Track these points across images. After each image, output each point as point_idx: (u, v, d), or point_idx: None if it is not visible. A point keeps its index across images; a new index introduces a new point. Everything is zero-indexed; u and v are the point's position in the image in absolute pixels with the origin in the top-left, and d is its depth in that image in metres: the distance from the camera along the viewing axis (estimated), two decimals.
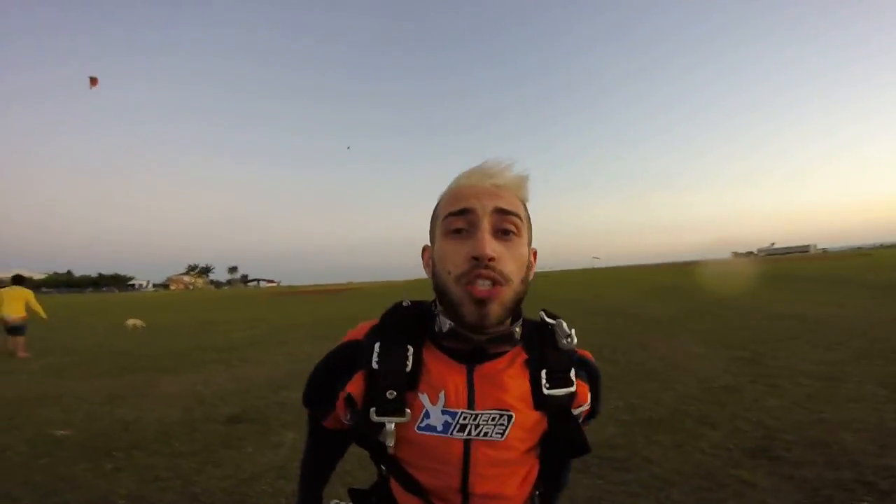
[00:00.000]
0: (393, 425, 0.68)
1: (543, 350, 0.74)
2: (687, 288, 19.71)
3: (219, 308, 25.13)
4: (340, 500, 0.86)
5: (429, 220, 0.79)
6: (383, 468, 0.77)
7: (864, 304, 10.07)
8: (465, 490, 0.71)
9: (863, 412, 3.55)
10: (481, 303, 0.65)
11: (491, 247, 0.65)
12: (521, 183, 0.74)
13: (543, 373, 0.72)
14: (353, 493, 0.86)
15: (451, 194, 0.73)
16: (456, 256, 0.67)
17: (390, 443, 0.69)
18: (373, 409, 0.69)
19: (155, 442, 3.65)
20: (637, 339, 7.43)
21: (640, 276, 40.91)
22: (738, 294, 14.44)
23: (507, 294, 0.67)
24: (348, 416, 0.76)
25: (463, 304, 0.66)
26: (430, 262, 0.75)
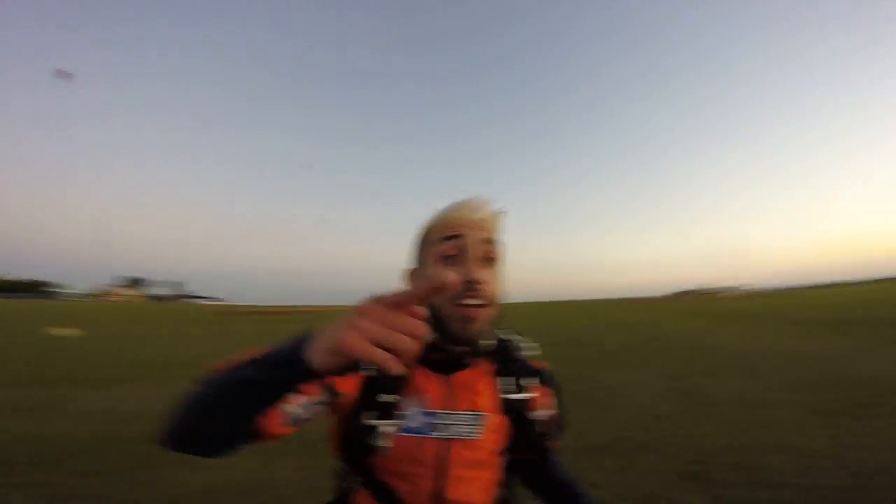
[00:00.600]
0: (383, 429, 0.75)
1: (506, 361, 0.85)
2: (631, 322, 20.65)
3: (155, 323, 23.48)
4: None
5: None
6: (352, 481, 0.80)
7: (790, 338, 11.04)
8: (437, 497, 0.76)
9: (787, 436, 3.83)
10: (471, 320, 0.75)
11: (480, 273, 0.76)
12: (499, 218, 0.84)
13: (505, 380, 0.84)
14: None
15: (443, 223, 0.81)
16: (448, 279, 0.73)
17: (384, 443, 0.74)
18: (366, 413, 0.75)
19: (66, 461, 3.31)
20: (582, 370, 7.63)
21: (576, 309, 42.41)
22: (676, 329, 15.28)
23: (490, 313, 0.78)
24: (310, 401, 0.73)
25: (454, 320, 0.75)
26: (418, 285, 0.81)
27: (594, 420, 4.50)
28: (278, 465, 3.28)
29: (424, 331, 0.47)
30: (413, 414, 0.78)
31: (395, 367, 0.45)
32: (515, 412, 0.83)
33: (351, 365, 0.52)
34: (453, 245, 0.77)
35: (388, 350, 0.45)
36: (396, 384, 0.78)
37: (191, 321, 27.12)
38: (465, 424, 0.79)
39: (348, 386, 0.76)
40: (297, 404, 0.68)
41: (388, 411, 0.76)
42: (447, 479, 0.78)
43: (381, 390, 0.76)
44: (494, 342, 0.87)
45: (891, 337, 10.31)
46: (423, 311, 0.48)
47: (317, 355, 0.51)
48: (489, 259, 0.79)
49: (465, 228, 0.78)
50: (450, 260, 0.77)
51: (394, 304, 0.48)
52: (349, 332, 0.46)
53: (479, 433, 0.79)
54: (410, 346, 0.46)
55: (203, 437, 0.60)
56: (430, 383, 0.80)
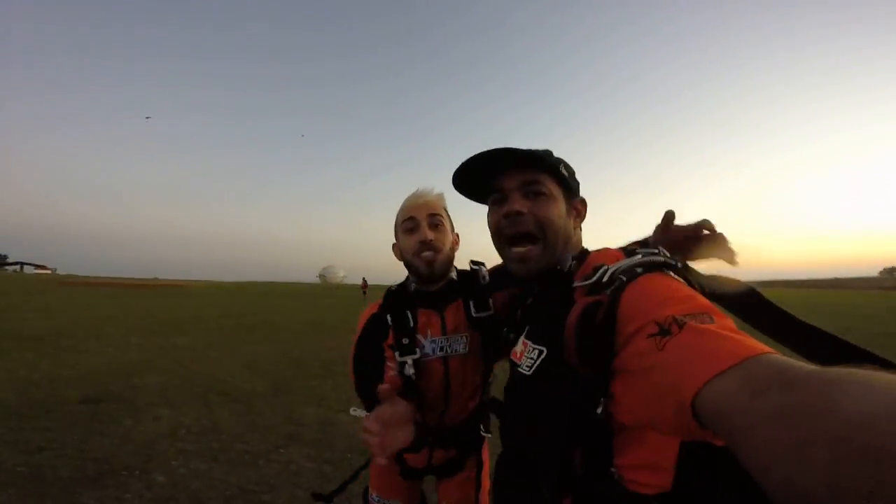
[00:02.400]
0: (410, 360, 1.13)
1: (472, 288, 1.20)
2: None
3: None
4: (357, 408, 1.14)
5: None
6: (406, 394, 1.14)
7: None
8: (446, 399, 1.18)
9: None
10: (430, 264, 1.15)
11: (428, 234, 1.15)
12: (440, 197, 1.23)
13: (471, 302, 1.18)
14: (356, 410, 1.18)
15: (402, 211, 1.20)
16: (410, 243, 1.17)
17: (410, 371, 1.12)
18: (397, 353, 1.14)
19: (10, 421, 3.52)
20: None
21: None
22: None
23: (443, 256, 1.17)
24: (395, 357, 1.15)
25: (419, 267, 1.16)
26: (399, 252, 1.23)
27: None
28: (219, 415, 3.95)
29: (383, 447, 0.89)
30: (425, 344, 1.16)
31: (381, 460, 0.87)
32: (482, 326, 1.16)
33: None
34: (409, 223, 1.17)
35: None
36: (409, 328, 1.15)
37: (35, 291, 22.79)
38: (457, 343, 1.17)
39: (390, 339, 1.17)
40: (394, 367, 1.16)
41: (410, 349, 1.14)
42: (452, 385, 1.18)
43: (402, 335, 1.15)
44: (457, 278, 1.22)
45: None
46: (403, 408, 0.97)
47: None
48: (435, 224, 1.18)
49: (415, 211, 1.17)
50: (409, 232, 1.17)
51: (378, 417, 0.90)
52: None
53: (466, 348, 1.18)
54: (380, 452, 0.87)
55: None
56: (431, 320, 1.18)
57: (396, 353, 1.14)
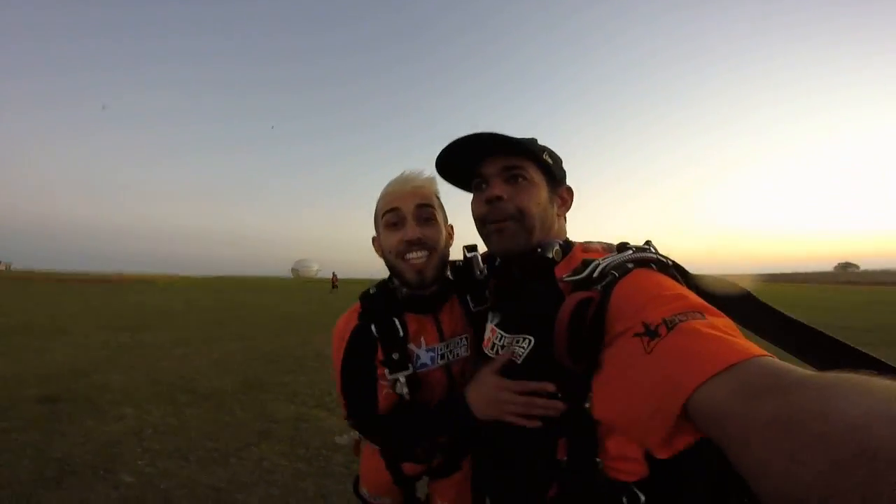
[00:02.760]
0: (402, 377, 0.94)
1: (468, 282, 1.04)
2: None
3: None
4: (342, 434, 1.36)
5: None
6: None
7: None
8: None
9: None
10: (419, 270, 0.95)
11: (416, 231, 0.95)
12: (431, 182, 1.00)
13: (468, 297, 1.03)
14: None
15: (384, 199, 1.00)
16: (393, 241, 0.97)
17: (404, 391, 0.94)
18: (387, 370, 0.95)
19: None
20: None
21: None
22: None
23: (435, 258, 0.97)
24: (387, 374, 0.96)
25: (406, 272, 0.97)
26: (380, 249, 1.04)
27: None
28: (187, 414, 3.87)
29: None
30: (420, 354, 0.99)
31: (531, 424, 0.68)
32: (480, 321, 0.98)
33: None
34: (392, 216, 0.97)
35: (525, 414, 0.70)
36: (398, 339, 0.96)
37: None
38: (457, 347, 1.02)
39: (380, 355, 0.98)
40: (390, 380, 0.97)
41: (401, 365, 0.95)
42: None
43: (392, 350, 0.95)
44: (452, 276, 1.05)
45: None
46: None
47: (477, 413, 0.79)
48: (426, 218, 0.97)
49: (400, 201, 0.97)
50: (392, 227, 0.97)
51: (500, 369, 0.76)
52: (496, 406, 0.74)
53: (469, 350, 1.03)
54: (545, 410, 0.66)
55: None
56: (424, 326, 1.01)
57: (386, 370, 0.96)
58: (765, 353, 0.45)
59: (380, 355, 0.97)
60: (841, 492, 0.30)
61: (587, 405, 0.59)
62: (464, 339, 1.04)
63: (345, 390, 1.02)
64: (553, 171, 0.82)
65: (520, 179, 0.80)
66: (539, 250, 0.76)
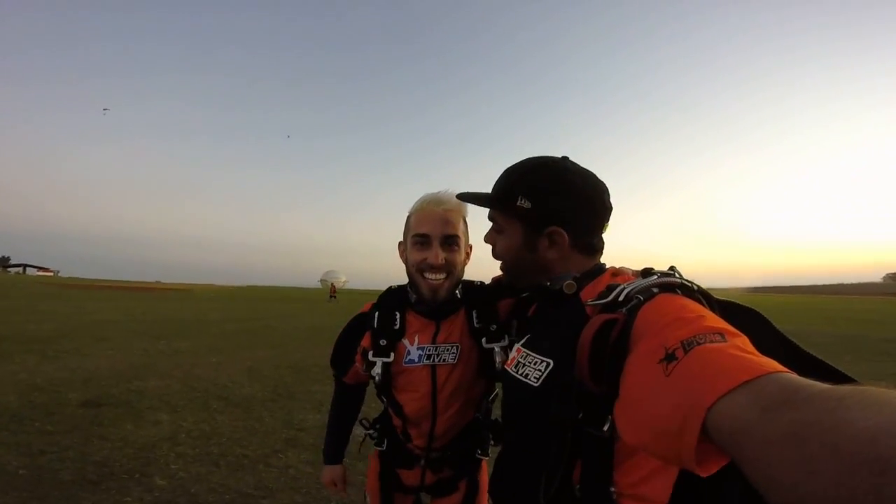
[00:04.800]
0: (380, 362, 1.07)
1: (475, 300, 1.12)
2: None
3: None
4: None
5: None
6: (384, 399, 1.15)
7: None
8: (433, 413, 1.10)
9: None
10: (435, 290, 1.06)
11: (440, 256, 1.04)
12: (461, 207, 1.09)
13: (474, 313, 1.10)
14: (363, 420, 1.30)
15: (415, 218, 1.08)
16: (417, 258, 1.06)
17: (376, 372, 1.08)
18: (370, 353, 1.08)
19: (12, 424, 3.54)
20: None
21: None
22: None
23: (451, 280, 1.07)
24: (364, 367, 1.12)
25: (422, 288, 1.07)
26: (404, 257, 1.13)
27: None
28: (219, 420, 3.97)
29: None
30: (410, 349, 1.08)
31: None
32: (485, 338, 1.07)
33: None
34: (421, 238, 1.05)
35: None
36: (397, 333, 1.08)
37: (37, 294, 22.89)
38: (446, 353, 1.08)
39: (365, 342, 1.12)
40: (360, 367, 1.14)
41: (385, 351, 1.07)
42: (439, 396, 1.09)
43: (382, 337, 1.08)
44: (463, 290, 1.13)
45: None
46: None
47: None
48: (449, 244, 1.06)
49: (430, 226, 1.05)
50: (419, 246, 1.06)
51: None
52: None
53: (457, 358, 1.09)
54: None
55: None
56: (423, 326, 1.10)
57: (370, 353, 1.09)
58: (782, 368, 0.44)
59: (366, 341, 1.11)
60: (852, 500, 0.30)
61: (605, 428, 0.59)
62: (455, 348, 1.10)
63: (332, 359, 1.24)
64: (529, 214, 0.80)
65: (495, 232, 0.88)
66: (549, 283, 0.78)
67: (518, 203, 0.80)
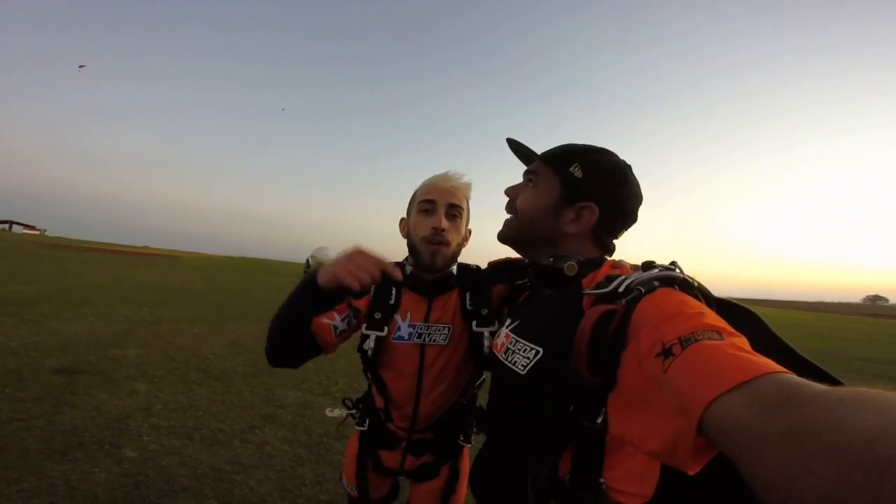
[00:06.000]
0: (374, 336, 1.07)
1: (469, 282, 1.14)
2: None
3: None
4: (333, 408, 1.51)
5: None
6: (369, 375, 1.15)
7: None
8: (418, 391, 1.10)
9: None
10: (435, 254, 1.07)
11: (444, 222, 1.07)
12: (467, 187, 1.15)
13: (468, 295, 1.12)
14: (345, 400, 1.27)
15: (424, 188, 1.12)
16: (423, 225, 1.09)
17: (369, 346, 1.08)
18: (364, 325, 1.09)
19: None
20: None
21: None
22: None
23: (448, 251, 1.09)
24: (342, 317, 1.05)
25: (423, 253, 1.08)
26: (406, 229, 1.15)
27: None
28: (197, 392, 3.92)
29: (377, 273, 0.85)
30: (401, 326, 1.09)
31: (356, 287, 0.83)
32: (476, 321, 1.08)
33: (349, 289, 0.85)
34: (428, 204, 1.09)
35: (358, 278, 0.83)
36: (391, 308, 1.08)
37: (22, 252, 22.40)
38: (437, 333, 1.09)
39: (362, 304, 1.08)
40: (336, 319, 1.03)
41: (379, 325, 1.07)
42: (425, 377, 1.10)
43: (376, 309, 1.08)
44: (458, 272, 1.15)
45: None
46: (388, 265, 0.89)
47: (322, 278, 0.90)
48: (453, 215, 1.10)
49: (437, 194, 1.09)
50: (425, 213, 1.09)
51: (365, 254, 0.89)
52: (339, 264, 0.87)
53: (447, 339, 1.10)
54: (369, 279, 0.84)
55: (282, 352, 1.00)
56: (416, 304, 1.11)
57: (364, 326, 1.09)
58: (780, 369, 0.44)
59: (361, 303, 1.08)
60: (848, 500, 0.30)
61: (599, 420, 0.59)
62: (447, 329, 1.11)
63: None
64: (572, 185, 0.80)
65: (530, 183, 0.85)
66: (552, 260, 0.77)
67: (570, 168, 0.80)
